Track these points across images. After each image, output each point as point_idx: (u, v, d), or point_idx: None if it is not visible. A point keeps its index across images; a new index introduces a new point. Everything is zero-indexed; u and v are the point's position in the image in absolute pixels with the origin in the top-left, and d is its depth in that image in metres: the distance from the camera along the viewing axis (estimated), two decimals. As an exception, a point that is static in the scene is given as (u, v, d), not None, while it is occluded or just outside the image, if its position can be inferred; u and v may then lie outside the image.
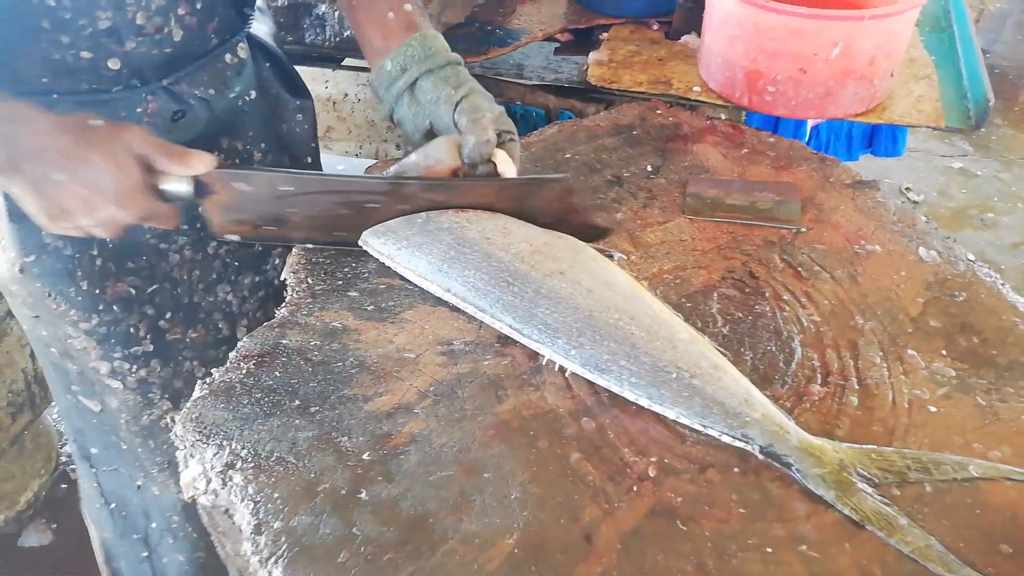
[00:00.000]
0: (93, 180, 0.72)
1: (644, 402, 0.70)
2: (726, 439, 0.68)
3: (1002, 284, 0.86)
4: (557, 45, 1.47)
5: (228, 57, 0.96)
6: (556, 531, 0.62)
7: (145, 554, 1.16)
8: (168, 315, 1.00)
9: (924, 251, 0.90)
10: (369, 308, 0.82)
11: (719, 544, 0.62)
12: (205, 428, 0.70)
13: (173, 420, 0.94)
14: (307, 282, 0.85)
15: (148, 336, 0.99)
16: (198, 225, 0.97)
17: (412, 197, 0.83)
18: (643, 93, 1.25)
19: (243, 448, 0.68)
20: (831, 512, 0.64)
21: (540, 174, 0.85)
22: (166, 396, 1.03)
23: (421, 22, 0.90)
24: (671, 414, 0.69)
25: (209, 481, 0.67)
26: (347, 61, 1.45)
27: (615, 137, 1.10)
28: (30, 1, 0.78)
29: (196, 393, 0.73)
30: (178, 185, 0.77)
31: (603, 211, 0.96)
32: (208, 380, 0.74)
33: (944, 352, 0.78)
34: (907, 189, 2.97)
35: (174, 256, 0.98)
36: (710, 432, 0.68)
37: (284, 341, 0.78)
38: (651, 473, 0.67)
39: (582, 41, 1.45)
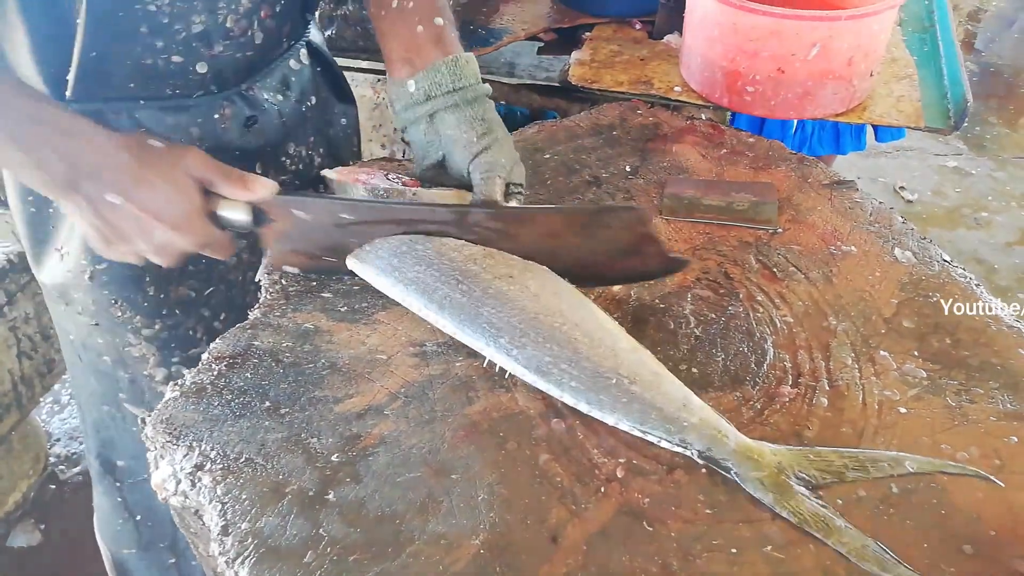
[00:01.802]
0: (151, 203, 0.71)
1: (583, 407, 0.70)
2: (664, 444, 0.68)
3: (976, 284, 0.86)
4: (541, 45, 1.47)
5: (293, 62, 0.97)
6: (523, 532, 0.63)
7: (172, 561, 1.17)
8: (223, 315, 1.01)
9: (899, 252, 0.90)
10: (342, 309, 0.82)
11: (684, 545, 0.62)
12: (175, 429, 0.70)
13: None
14: (281, 283, 0.85)
15: (204, 337, 1.00)
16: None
17: (475, 226, 0.80)
18: (624, 93, 1.25)
19: (212, 449, 0.68)
20: (796, 513, 0.64)
21: (611, 203, 0.82)
22: None
23: (451, 39, 0.87)
24: (610, 420, 0.69)
25: (179, 482, 0.67)
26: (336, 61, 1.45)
27: (595, 137, 1.11)
28: (132, 7, 0.78)
29: (167, 394, 0.74)
30: (236, 212, 0.75)
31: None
32: (180, 381, 0.75)
33: (916, 353, 0.78)
34: (901, 188, 2.98)
35: (232, 258, 0.98)
36: (649, 438, 0.68)
37: (256, 342, 0.78)
38: (619, 474, 0.67)
39: (566, 41, 1.45)
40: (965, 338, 0.80)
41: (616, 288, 0.86)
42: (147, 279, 0.93)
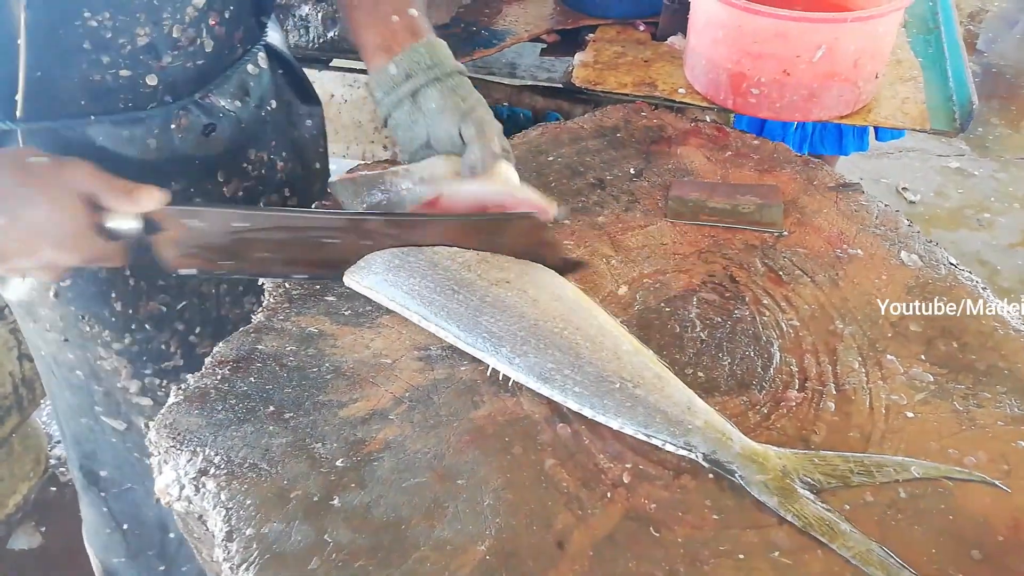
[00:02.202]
0: (33, 222, 0.69)
1: (587, 412, 0.69)
2: (669, 448, 0.67)
3: (983, 288, 0.86)
4: (544, 46, 1.47)
5: (250, 67, 0.96)
6: (528, 538, 0.62)
7: (162, 568, 1.16)
8: (197, 329, 1.00)
9: (906, 255, 0.90)
10: (346, 313, 0.82)
11: (692, 551, 0.62)
12: (179, 434, 0.70)
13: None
14: (284, 286, 0.85)
15: (179, 351, 0.99)
16: None
17: (374, 233, 0.80)
18: (628, 95, 1.25)
19: (216, 454, 0.68)
20: (804, 519, 0.64)
21: (509, 212, 0.82)
22: None
23: (425, 28, 0.88)
24: (614, 424, 0.69)
25: (182, 487, 0.67)
26: (334, 62, 1.45)
27: (599, 139, 1.10)
28: (71, 23, 0.77)
29: (171, 399, 0.73)
30: (126, 222, 0.73)
31: (584, 214, 0.96)
32: (183, 386, 0.74)
33: (923, 357, 0.78)
34: (904, 189, 2.97)
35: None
36: (653, 441, 0.68)
37: (260, 346, 0.78)
38: (625, 479, 0.67)
39: (569, 42, 1.45)
40: (972, 342, 0.80)
41: (621, 292, 0.86)
42: (113, 295, 0.92)
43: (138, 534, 1.14)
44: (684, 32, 1.31)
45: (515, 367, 0.72)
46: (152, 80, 0.84)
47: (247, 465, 0.67)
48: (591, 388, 0.70)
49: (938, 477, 0.66)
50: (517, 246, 0.82)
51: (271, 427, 0.70)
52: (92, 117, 0.83)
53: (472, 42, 1.40)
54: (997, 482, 0.66)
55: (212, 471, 0.67)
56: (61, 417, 1.08)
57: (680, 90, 1.25)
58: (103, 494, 1.11)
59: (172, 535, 1.14)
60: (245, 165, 0.97)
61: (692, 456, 0.67)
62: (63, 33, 0.77)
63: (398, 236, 0.80)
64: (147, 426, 1.01)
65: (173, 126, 0.88)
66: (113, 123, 0.84)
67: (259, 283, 1.02)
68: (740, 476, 0.66)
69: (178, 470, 0.68)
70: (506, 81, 1.38)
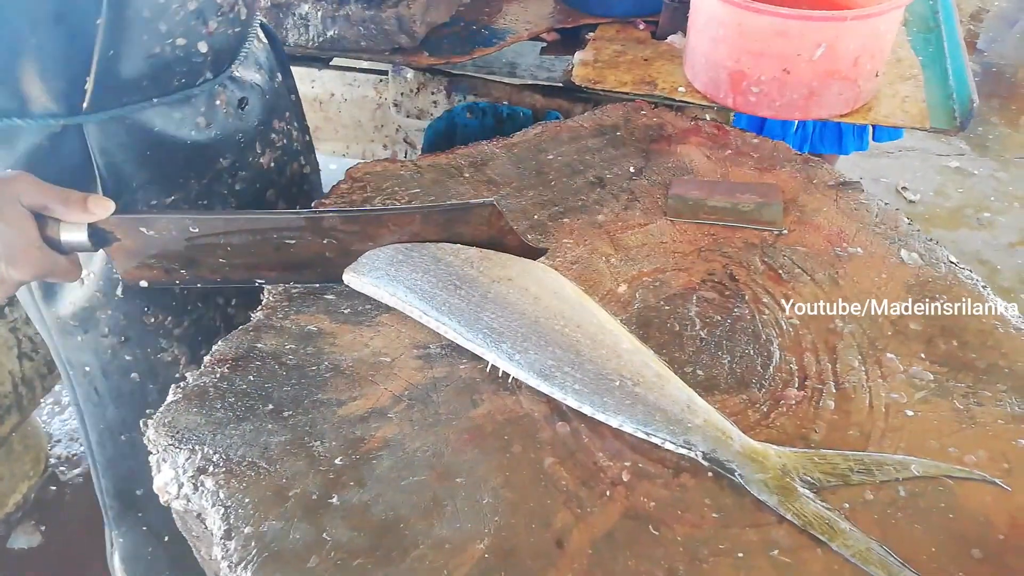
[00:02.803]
0: None
1: (587, 410, 0.69)
2: (669, 446, 0.67)
3: (983, 287, 0.86)
4: (544, 45, 1.46)
5: (256, 42, 0.99)
6: (528, 536, 0.62)
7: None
8: (234, 301, 1.02)
9: (906, 253, 0.90)
10: (345, 311, 0.82)
11: (691, 549, 0.62)
12: (177, 432, 0.70)
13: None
14: (283, 285, 0.85)
15: (222, 325, 1.01)
16: None
17: (331, 230, 0.79)
18: (628, 93, 1.25)
19: (215, 453, 0.68)
20: (804, 517, 0.64)
21: (467, 200, 0.82)
22: None
23: None
24: (614, 422, 0.69)
25: (181, 486, 0.67)
26: (334, 61, 1.45)
27: (598, 138, 1.10)
28: None
29: (169, 397, 0.73)
30: (76, 235, 0.72)
31: (584, 213, 0.96)
32: (182, 384, 0.74)
33: (923, 355, 0.78)
34: (903, 188, 2.97)
35: None
36: (653, 440, 0.68)
37: (259, 345, 0.78)
38: (625, 478, 0.67)
39: (569, 41, 1.44)
40: (972, 340, 0.80)
41: (621, 290, 0.86)
42: None
43: (179, 543, 1.12)
44: (684, 31, 1.30)
45: (515, 364, 0.72)
46: (203, 47, 0.87)
47: (246, 463, 0.67)
48: (591, 386, 0.70)
49: (938, 475, 0.66)
50: (478, 235, 0.81)
51: (270, 425, 0.70)
52: (154, 100, 0.85)
53: (472, 40, 1.40)
54: (998, 480, 0.66)
55: (211, 469, 0.67)
56: (95, 444, 1.07)
57: (680, 89, 1.25)
58: (140, 514, 1.11)
59: None
60: (273, 136, 1.01)
61: (692, 455, 0.67)
62: (130, 4, 0.78)
63: (358, 232, 0.79)
64: None
65: (217, 102, 0.91)
66: (168, 105, 0.86)
67: None
68: (740, 475, 0.65)
69: (177, 468, 0.68)
70: (506, 80, 1.38)
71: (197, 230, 0.77)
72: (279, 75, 1.05)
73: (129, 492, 1.10)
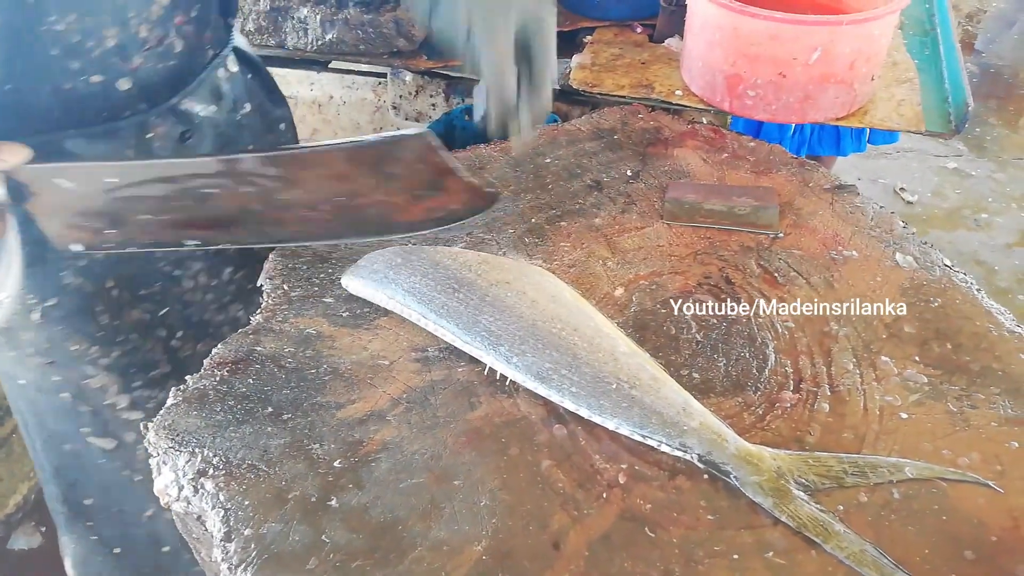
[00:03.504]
0: None
1: (584, 412, 0.70)
2: (665, 449, 0.68)
3: (977, 289, 0.86)
4: (542, 48, 1.47)
5: (221, 72, 0.95)
6: (524, 538, 0.63)
7: None
8: (179, 334, 0.99)
9: (901, 256, 0.91)
10: (344, 314, 0.82)
11: (686, 551, 0.62)
12: (177, 435, 0.70)
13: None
14: (283, 288, 0.85)
15: (164, 358, 0.98)
16: (212, 252, 0.96)
17: (250, 175, 0.73)
18: (625, 97, 1.26)
19: (215, 455, 0.69)
20: (798, 519, 0.64)
21: (396, 133, 0.73)
22: None
23: None
24: (611, 425, 0.69)
25: (181, 488, 0.68)
26: (332, 64, 1.46)
27: (596, 141, 1.11)
28: (38, 29, 0.76)
29: (169, 400, 0.74)
30: None
31: (581, 216, 0.97)
32: (182, 387, 0.75)
33: (917, 358, 0.79)
34: (901, 189, 2.98)
35: (188, 282, 0.97)
36: (649, 442, 0.68)
37: (258, 348, 0.78)
38: (621, 480, 0.67)
39: (566, 44, 1.45)
40: (966, 343, 0.80)
41: (617, 293, 0.86)
42: (98, 308, 0.91)
43: (131, 555, 1.12)
44: (681, 34, 1.31)
45: (513, 366, 0.73)
46: (125, 84, 0.83)
47: (245, 466, 0.68)
48: (588, 388, 0.71)
49: (932, 478, 0.67)
50: (416, 175, 0.74)
51: (269, 428, 0.71)
52: (70, 131, 0.81)
53: (470, 44, 1.40)
54: (991, 483, 0.66)
55: (211, 472, 0.67)
56: (41, 452, 1.06)
57: (677, 92, 1.26)
58: (90, 523, 1.09)
59: (166, 548, 1.12)
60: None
61: (687, 457, 0.67)
62: (30, 40, 0.76)
63: (280, 175, 0.74)
64: (139, 441, 0.98)
65: (150, 135, 0.86)
66: (89, 138, 0.82)
67: (248, 288, 1.01)
68: (735, 477, 0.66)
69: (177, 471, 0.68)
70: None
71: (116, 179, 0.72)
72: (247, 107, 1.00)
73: (77, 502, 1.08)
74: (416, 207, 0.76)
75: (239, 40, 1.01)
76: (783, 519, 0.64)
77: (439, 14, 0.74)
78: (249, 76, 1.04)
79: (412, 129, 0.74)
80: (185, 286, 0.97)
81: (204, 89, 0.92)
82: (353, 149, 0.73)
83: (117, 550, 1.12)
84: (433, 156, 0.73)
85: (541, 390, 0.72)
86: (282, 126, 1.09)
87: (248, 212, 0.76)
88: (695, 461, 0.67)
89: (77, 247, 0.76)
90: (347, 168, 0.74)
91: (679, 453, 0.68)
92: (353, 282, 0.80)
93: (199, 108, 0.92)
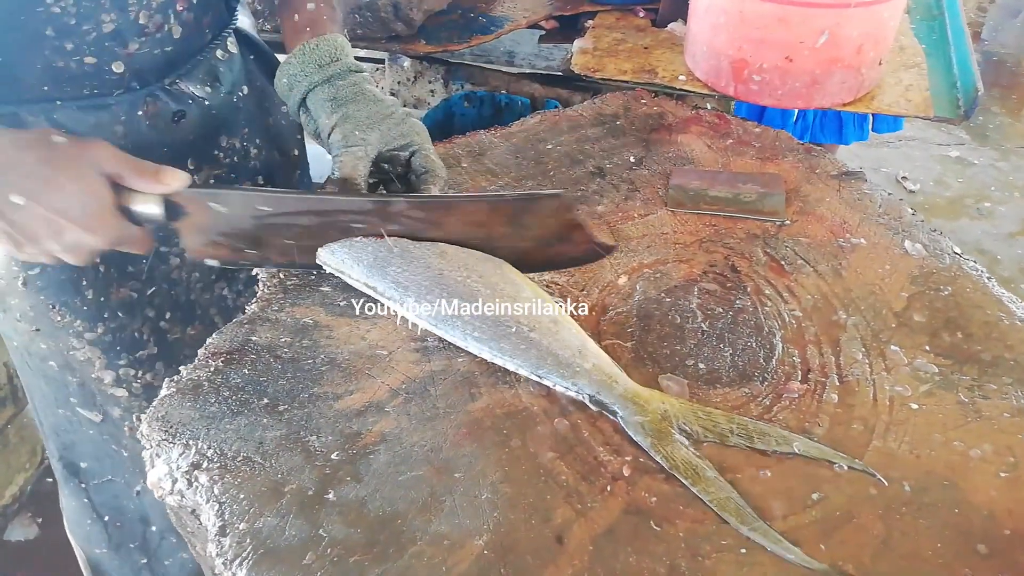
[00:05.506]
0: (59, 202, 0.68)
1: (487, 355, 0.72)
2: (559, 389, 0.70)
3: (988, 278, 0.84)
4: (542, 33, 1.45)
5: (220, 53, 0.94)
6: (527, 532, 0.61)
7: (144, 561, 1.15)
8: (168, 315, 0.98)
9: (910, 244, 0.89)
10: (341, 304, 0.80)
11: (693, 544, 0.61)
12: (171, 427, 0.69)
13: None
14: (279, 276, 0.83)
15: (151, 339, 0.98)
16: None
17: (398, 216, 0.78)
18: (628, 82, 1.23)
19: (209, 448, 0.67)
20: (807, 512, 0.63)
21: (535, 190, 0.81)
22: None
23: (324, 22, 0.88)
24: (510, 366, 0.71)
25: (175, 481, 0.66)
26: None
27: (598, 127, 1.09)
28: (34, 9, 0.75)
29: (163, 391, 0.72)
30: (149, 206, 0.73)
31: (584, 203, 0.95)
32: (175, 378, 0.73)
33: (928, 348, 0.77)
34: (903, 178, 2.96)
35: (174, 259, 0.96)
36: (544, 383, 0.70)
37: (254, 338, 0.76)
38: (625, 472, 0.66)
39: (568, 28, 1.43)
40: (977, 332, 0.79)
41: (621, 282, 0.84)
42: (84, 282, 0.91)
43: (119, 526, 1.12)
44: (684, 18, 1.29)
45: (419, 315, 0.75)
46: (119, 67, 0.83)
47: (240, 458, 0.66)
48: (489, 332, 0.73)
49: (820, 458, 0.66)
50: (544, 227, 0.80)
51: (265, 420, 0.69)
52: (58, 102, 0.81)
53: (470, 28, 1.38)
54: (877, 474, 0.65)
55: (205, 464, 0.66)
56: (38, 407, 1.07)
57: (680, 77, 1.23)
58: (83, 485, 1.10)
59: (154, 528, 1.13)
60: (216, 152, 0.96)
61: (579, 397, 0.69)
62: (25, 19, 0.76)
63: (424, 218, 0.79)
64: (124, 417, 1.01)
65: (140, 112, 0.86)
66: (79, 108, 0.82)
67: (230, 271, 1.02)
68: (621, 416, 0.68)
69: (170, 463, 0.67)
70: (504, 68, 1.36)
71: (267, 208, 0.77)
72: (244, 90, 0.99)
73: (72, 461, 1.09)
74: (543, 252, 0.82)
75: (243, 22, 1.00)
76: (658, 459, 0.65)
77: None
78: (251, 57, 1.03)
79: (551, 190, 0.83)
80: (171, 263, 0.96)
81: (199, 71, 0.91)
82: (496, 201, 0.80)
83: (106, 518, 1.12)
84: (565, 213, 0.79)
85: (445, 334, 0.74)
86: (284, 109, 1.07)
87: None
88: (587, 402, 0.69)
89: (212, 263, 0.80)
90: (487, 216, 0.79)
91: (573, 394, 0.69)
92: (323, 252, 0.80)
93: (193, 89, 0.91)
